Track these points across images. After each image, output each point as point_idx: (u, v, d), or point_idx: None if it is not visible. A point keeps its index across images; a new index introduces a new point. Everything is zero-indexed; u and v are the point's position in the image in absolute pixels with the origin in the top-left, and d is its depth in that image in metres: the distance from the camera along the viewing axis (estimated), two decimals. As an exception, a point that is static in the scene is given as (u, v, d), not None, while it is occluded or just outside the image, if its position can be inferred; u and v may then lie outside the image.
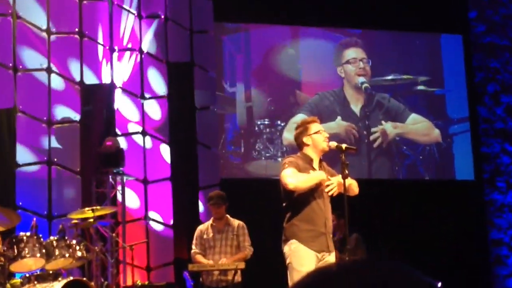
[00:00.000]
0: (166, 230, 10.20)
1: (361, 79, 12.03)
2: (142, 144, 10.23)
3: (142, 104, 10.35)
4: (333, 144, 6.20)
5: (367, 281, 1.04)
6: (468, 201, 12.10)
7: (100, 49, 10.15)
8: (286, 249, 6.00)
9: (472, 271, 11.64)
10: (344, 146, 6.12)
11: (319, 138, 6.10)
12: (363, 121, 11.94)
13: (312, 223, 5.96)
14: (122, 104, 10.25)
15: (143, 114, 10.33)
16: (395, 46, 12.57)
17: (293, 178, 5.88)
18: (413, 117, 12.14)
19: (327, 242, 5.98)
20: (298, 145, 6.24)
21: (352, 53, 12.16)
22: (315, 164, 6.09)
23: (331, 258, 5.96)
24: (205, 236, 8.10)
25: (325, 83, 12.05)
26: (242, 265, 7.80)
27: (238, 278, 7.97)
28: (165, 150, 10.41)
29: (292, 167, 5.94)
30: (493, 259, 12.25)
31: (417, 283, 1.07)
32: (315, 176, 5.97)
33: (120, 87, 10.18)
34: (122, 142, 9.88)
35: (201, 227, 8.25)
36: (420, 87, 12.48)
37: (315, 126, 6.16)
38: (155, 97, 10.47)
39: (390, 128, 11.98)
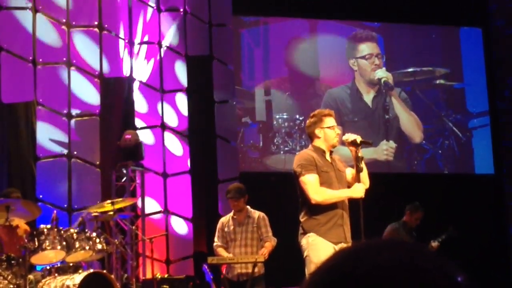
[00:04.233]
0: (185, 223, 10.22)
1: (379, 73, 11.96)
2: (161, 138, 10.26)
3: (162, 97, 10.37)
4: (347, 137, 6.16)
5: (395, 257, 1.06)
6: (488, 195, 12.05)
7: (120, 42, 10.18)
8: (303, 242, 6.00)
9: (492, 265, 11.58)
10: (359, 140, 6.07)
11: (331, 133, 6.08)
12: (377, 112, 11.88)
13: (330, 215, 5.96)
14: (141, 97, 10.27)
15: (162, 107, 10.35)
16: (414, 39, 12.50)
17: (319, 196, 5.88)
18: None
19: (344, 233, 5.99)
20: (309, 135, 6.23)
21: (367, 48, 12.08)
22: (327, 156, 6.09)
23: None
24: (226, 229, 8.08)
25: (343, 77, 12.01)
26: (261, 258, 7.79)
27: (261, 270, 7.96)
28: (184, 143, 10.43)
29: (313, 173, 5.92)
30: (513, 253, 12.20)
31: (442, 265, 1.09)
32: (343, 195, 6.00)
33: (139, 81, 10.21)
34: (141, 136, 9.90)
35: (222, 219, 8.24)
36: (440, 81, 12.43)
37: (329, 120, 6.12)
38: (174, 90, 10.49)
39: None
